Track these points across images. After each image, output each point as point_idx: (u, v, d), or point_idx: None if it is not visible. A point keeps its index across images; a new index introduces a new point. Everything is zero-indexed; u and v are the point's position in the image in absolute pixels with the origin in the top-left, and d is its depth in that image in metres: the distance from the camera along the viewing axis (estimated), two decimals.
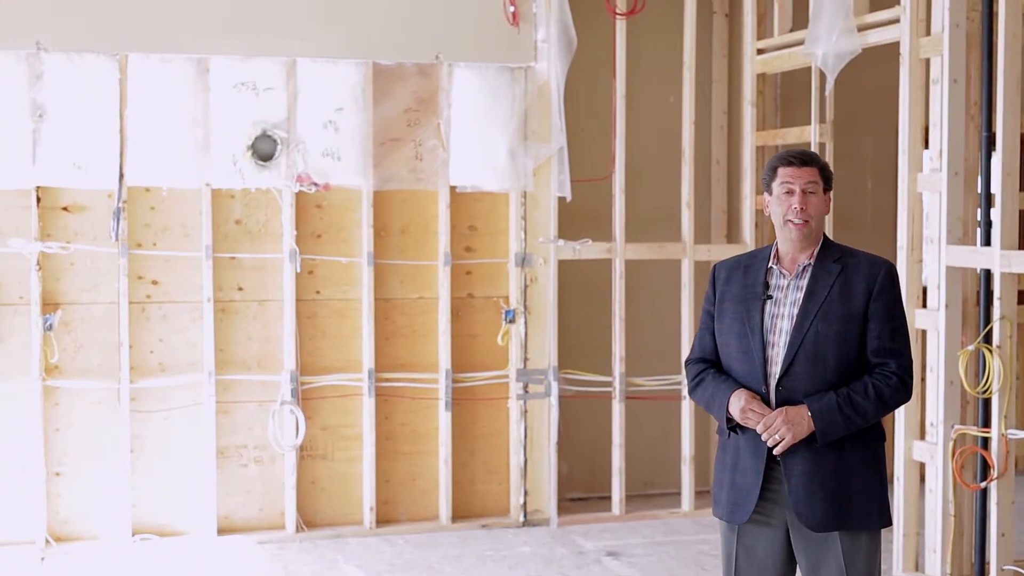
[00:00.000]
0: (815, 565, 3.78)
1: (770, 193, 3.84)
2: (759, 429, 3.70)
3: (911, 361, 3.81)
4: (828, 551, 3.75)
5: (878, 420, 3.79)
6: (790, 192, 3.78)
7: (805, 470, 3.72)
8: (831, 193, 3.87)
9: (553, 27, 6.86)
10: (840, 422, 3.69)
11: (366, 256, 6.77)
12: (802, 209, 3.77)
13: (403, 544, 6.66)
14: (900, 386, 3.75)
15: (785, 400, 3.72)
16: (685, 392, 7.18)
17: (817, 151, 6.91)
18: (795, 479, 3.72)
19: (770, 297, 3.80)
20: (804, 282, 3.79)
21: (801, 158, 3.81)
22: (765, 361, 3.75)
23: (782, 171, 3.81)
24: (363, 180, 6.75)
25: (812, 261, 3.80)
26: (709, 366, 3.91)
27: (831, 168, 3.92)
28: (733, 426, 3.79)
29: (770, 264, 3.84)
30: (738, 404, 3.74)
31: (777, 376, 3.74)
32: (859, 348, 3.75)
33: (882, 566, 6.02)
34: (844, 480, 3.73)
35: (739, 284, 3.87)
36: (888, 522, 3.84)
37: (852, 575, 3.75)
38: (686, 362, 4.02)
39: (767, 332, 3.78)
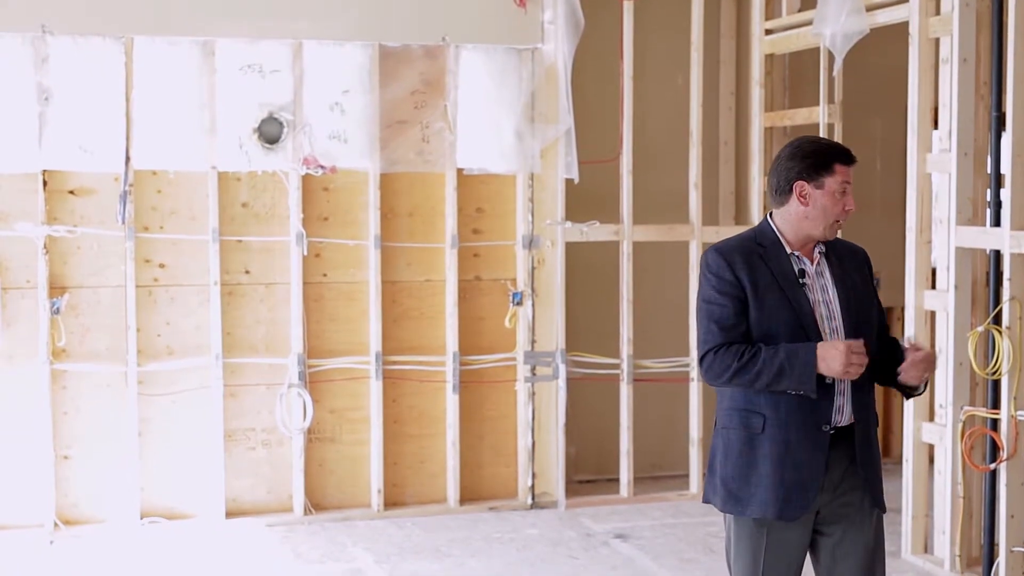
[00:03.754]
0: (848, 550, 3.78)
1: (818, 187, 3.72)
2: (847, 363, 3.58)
3: None
4: (876, 527, 3.81)
5: None
6: (845, 192, 3.75)
7: (871, 454, 3.79)
8: None
9: (560, 8, 6.83)
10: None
11: (373, 239, 6.76)
12: (851, 211, 3.78)
13: (411, 527, 6.67)
14: None
15: (831, 391, 3.71)
16: (693, 374, 7.17)
17: (825, 132, 6.89)
18: (868, 466, 3.76)
19: (805, 284, 3.76)
20: (824, 269, 3.79)
21: (852, 157, 3.79)
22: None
23: (840, 168, 3.73)
24: (370, 163, 6.74)
25: (823, 249, 3.82)
26: (751, 345, 3.71)
27: None
28: (822, 384, 3.66)
29: (789, 251, 3.79)
30: (836, 351, 3.59)
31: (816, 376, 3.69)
32: (877, 327, 3.86)
33: (890, 548, 6.04)
34: (869, 462, 3.79)
35: (765, 270, 3.75)
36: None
37: (877, 556, 3.81)
38: (711, 349, 3.74)
39: (817, 317, 3.73)
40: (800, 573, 3.85)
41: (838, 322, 3.74)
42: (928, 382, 3.85)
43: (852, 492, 3.75)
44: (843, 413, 3.71)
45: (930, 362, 3.77)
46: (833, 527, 3.78)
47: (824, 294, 3.77)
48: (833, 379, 3.66)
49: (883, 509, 3.82)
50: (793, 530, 3.77)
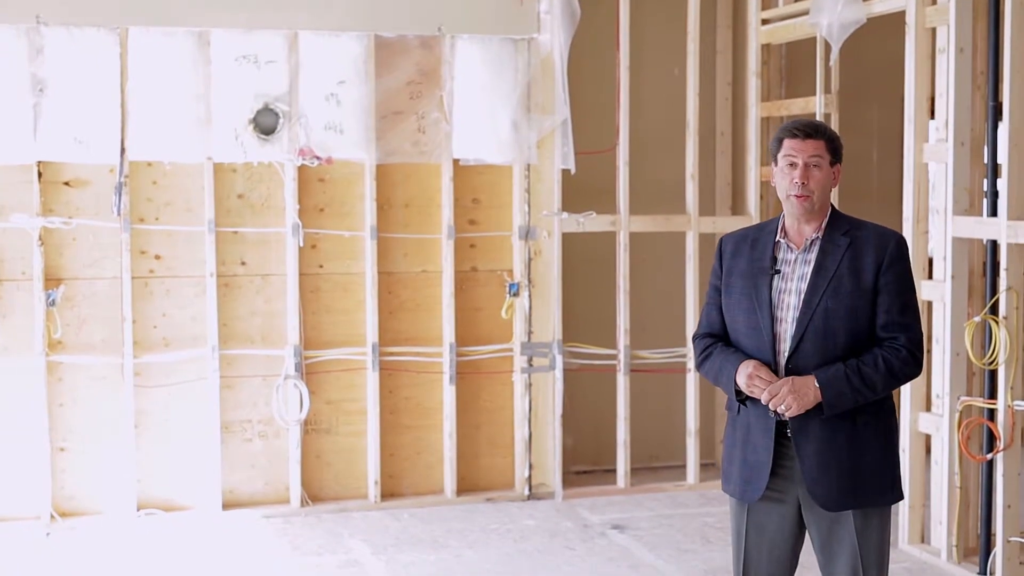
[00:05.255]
0: (827, 542, 3.75)
1: (776, 164, 3.78)
2: (763, 398, 3.65)
3: (922, 335, 3.74)
4: (842, 528, 3.72)
5: (887, 394, 3.74)
6: (793, 165, 3.72)
7: (818, 448, 3.67)
8: (839, 166, 3.79)
9: None
10: (848, 393, 3.63)
11: (369, 230, 6.75)
12: (803, 183, 3.70)
13: (408, 518, 6.67)
14: (910, 359, 3.69)
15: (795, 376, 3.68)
16: (690, 365, 7.17)
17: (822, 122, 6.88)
18: (808, 457, 3.68)
19: (778, 272, 3.75)
20: (812, 256, 3.73)
21: (806, 130, 3.74)
22: (774, 338, 3.71)
23: (787, 143, 3.74)
24: (366, 153, 6.72)
25: (820, 235, 3.74)
26: (716, 340, 3.86)
27: (840, 140, 3.83)
28: (742, 398, 3.75)
29: (777, 238, 3.79)
30: (745, 372, 3.69)
31: (787, 353, 3.69)
32: (869, 323, 3.69)
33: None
34: (857, 456, 3.69)
35: (747, 258, 3.81)
36: (900, 496, 3.81)
37: (865, 552, 3.71)
38: (693, 337, 3.97)
39: (775, 308, 3.73)
40: (790, 561, 3.83)
41: (794, 315, 3.70)
42: (789, 412, 3.63)
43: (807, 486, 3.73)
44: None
45: (772, 396, 3.65)
46: (807, 518, 3.78)
47: (796, 283, 3.73)
48: (776, 369, 3.71)
49: (826, 507, 3.69)
50: (769, 515, 3.79)
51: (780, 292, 3.75)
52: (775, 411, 3.66)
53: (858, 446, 3.69)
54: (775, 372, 3.71)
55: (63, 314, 6.39)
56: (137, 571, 5.88)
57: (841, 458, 3.68)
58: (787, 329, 3.71)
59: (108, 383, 6.49)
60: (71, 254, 6.43)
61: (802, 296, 3.70)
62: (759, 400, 3.69)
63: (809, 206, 3.72)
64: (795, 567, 3.87)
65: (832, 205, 3.82)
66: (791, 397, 3.62)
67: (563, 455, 7.09)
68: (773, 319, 3.73)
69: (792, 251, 3.77)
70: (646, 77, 7.45)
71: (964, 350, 5.66)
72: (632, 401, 7.13)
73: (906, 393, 6.02)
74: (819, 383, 3.63)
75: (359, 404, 6.84)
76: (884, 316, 3.69)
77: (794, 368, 3.68)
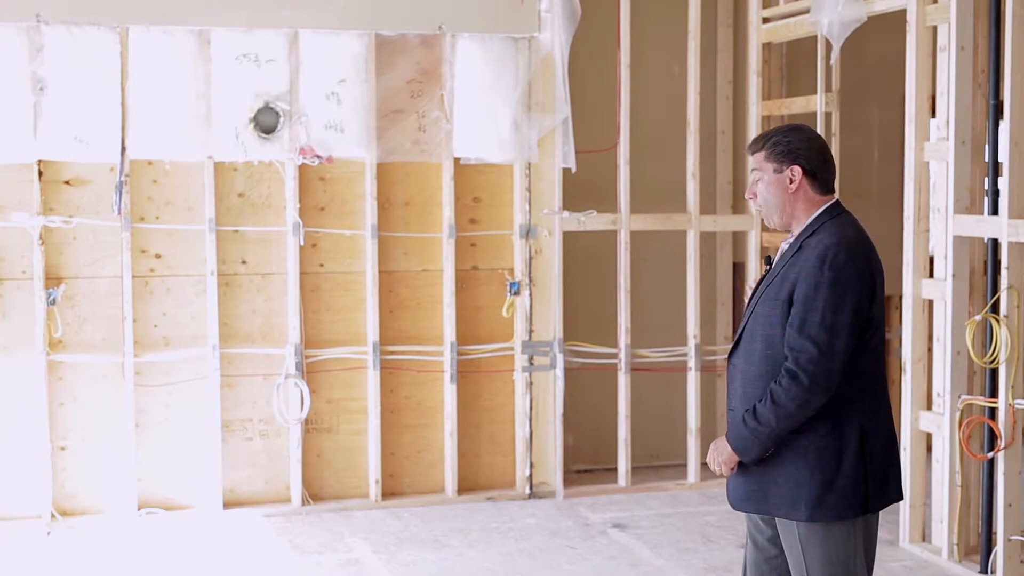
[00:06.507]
0: (784, 545, 3.73)
1: None
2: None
3: (816, 353, 3.50)
4: (788, 536, 3.68)
5: (793, 423, 3.55)
6: (753, 179, 3.77)
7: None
8: (793, 167, 3.65)
9: None
10: (748, 436, 3.59)
11: (370, 229, 6.74)
12: (751, 199, 3.77)
13: (409, 517, 6.66)
14: (791, 383, 3.51)
15: (730, 376, 3.76)
16: (691, 364, 7.17)
17: (823, 121, 6.87)
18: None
19: (766, 275, 3.78)
20: (782, 262, 3.73)
21: (751, 146, 3.77)
22: (734, 333, 3.79)
23: (750, 158, 3.80)
24: (366, 152, 6.72)
25: (792, 239, 3.73)
26: None
27: (793, 141, 3.68)
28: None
29: (785, 241, 3.82)
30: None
31: (729, 351, 3.79)
32: (782, 332, 3.59)
33: (888, 537, 6.04)
34: (770, 466, 3.63)
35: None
36: (826, 517, 3.58)
37: (810, 563, 3.63)
38: None
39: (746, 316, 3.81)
40: (773, 554, 3.81)
41: (746, 321, 3.74)
42: (722, 472, 3.71)
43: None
44: (732, 402, 3.75)
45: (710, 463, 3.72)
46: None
47: (762, 290, 3.75)
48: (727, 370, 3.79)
49: (731, 504, 3.74)
50: (757, 522, 3.81)
51: (755, 298, 3.78)
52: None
53: (774, 456, 3.62)
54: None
55: (63, 313, 6.39)
56: (138, 570, 5.87)
57: (755, 463, 3.65)
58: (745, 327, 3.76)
59: (109, 382, 6.49)
60: (71, 253, 6.43)
61: (754, 299, 3.76)
62: None
63: (765, 217, 3.76)
64: (787, 565, 3.81)
65: (834, 204, 3.71)
66: (712, 459, 3.71)
67: (564, 454, 7.09)
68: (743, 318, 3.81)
69: (779, 254, 3.81)
70: (647, 76, 7.44)
71: (965, 349, 5.66)
72: (633, 400, 7.12)
73: (907, 392, 6.02)
74: (727, 438, 3.67)
75: (360, 403, 6.83)
76: (788, 331, 3.57)
77: (733, 366, 3.74)
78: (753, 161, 3.72)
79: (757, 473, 3.65)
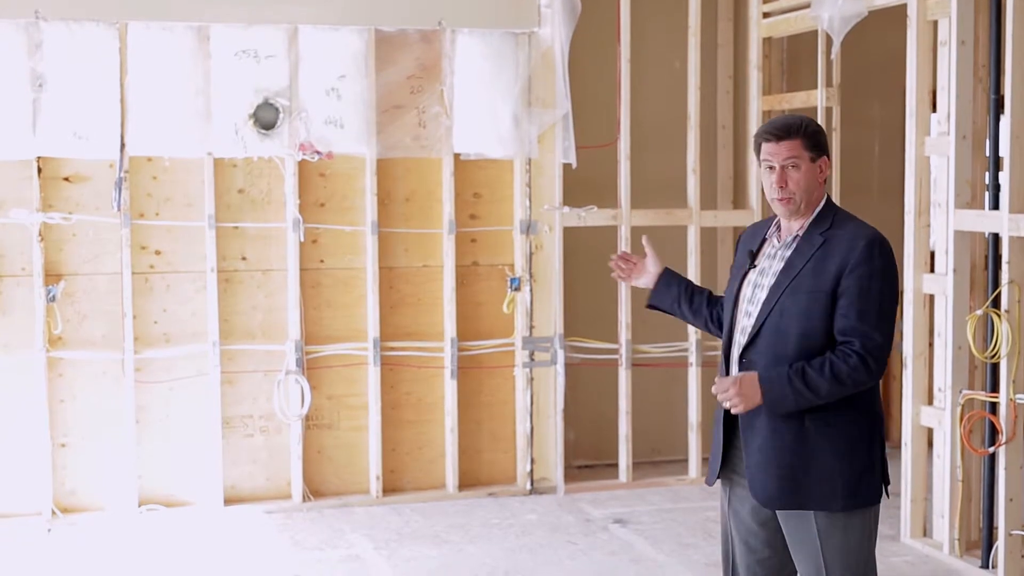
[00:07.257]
0: (794, 540, 3.69)
1: (759, 166, 3.76)
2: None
3: (881, 342, 3.57)
4: (804, 527, 3.65)
5: (837, 398, 3.58)
6: (771, 169, 3.67)
7: (761, 444, 3.64)
8: (824, 159, 3.69)
9: None
10: (790, 395, 3.55)
11: (370, 225, 6.74)
12: (781, 187, 3.65)
13: (410, 513, 6.66)
14: (860, 365, 3.54)
15: (747, 371, 3.66)
16: (692, 359, 7.16)
17: (823, 115, 6.86)
18: (752, 452, 3.66)
19: (754, 267, 3.75)
20: (788, 253, 3.70)
21: (778, 133, 3.66)
22: (733, 329, 3.74)
23: (763, 147, 3.68)
24: (366, 148, 6.71)
25: (801, 232, 3.70)
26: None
27: (822, 133, 3.72)
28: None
29: (768, 233, 3.80)
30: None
31: (742, 346, 3.70)
32: (824, 325, 3.60)
33: (889, 532, 6.03)
34: (802, 457, 3.61)
35: (744, 252, 3.85)
36: (859, 504, 3.63)
37: (828, 555, 3.63)
38: None
39: (745, 301, 3.74)
40: (765, 552, 3.78)
41: (755, 311, 3.69)
42: (735, 408, 3.61)
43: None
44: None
45: (720, 391, 3.64)
46: (777, 513, 3.75)
47: (768, 279, 3.71)
48: (729, 362, 3.75)
49: (764, 504, 3.66)
50: (742, 503, 3.78)
51: (755, 287, 3.74)
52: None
53: (805, 448, 3.61)
54: (729, 364, 3.73)
55: (63, 310, 6.38)
56: (139, 567, 5.87)
57: (783, 457, 3.62)
58: (749, 323, 3.70)
59: (109, 379, 6.48)
60: (71, 250, 6.42)
61: (767, 292, 3.68)
62: None
63: (793, 207, 3.68)
64: (781, 564, 3.80)
65: (828, 198, 3.74)
66: (734, 392, 3.59)
67: (565, 449, 7.08)
68: (739, 312, 3.74)
69: (775, 246, 3.76)
70: (647, 71, 7.43)
71: (966, 343, 5.65)
72: (634, 395, 7.12)
73: (908, 387, 6.01)
74: (761, 383, 3.58)
75: (360, 399, 6.83)
76: (841, 320, 3.57)
77: (747, 362, 3.67)
78: (786, 148, 3.64)
79: (787, 468, 3.61)
